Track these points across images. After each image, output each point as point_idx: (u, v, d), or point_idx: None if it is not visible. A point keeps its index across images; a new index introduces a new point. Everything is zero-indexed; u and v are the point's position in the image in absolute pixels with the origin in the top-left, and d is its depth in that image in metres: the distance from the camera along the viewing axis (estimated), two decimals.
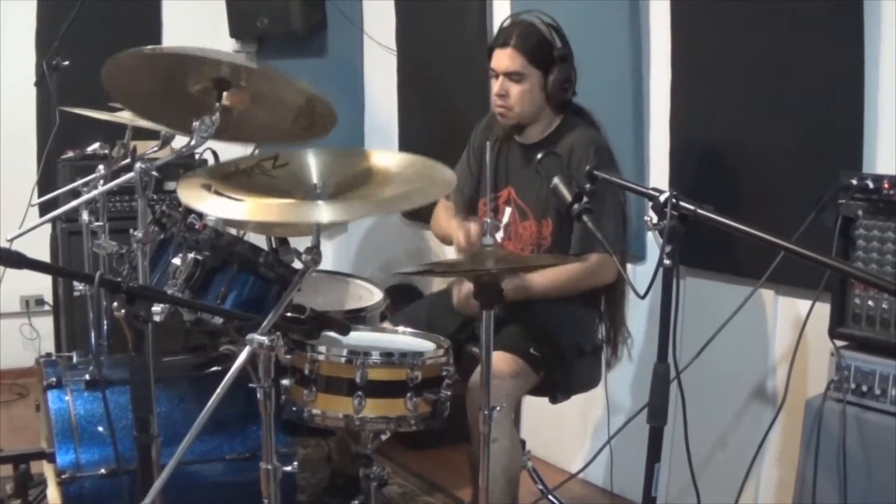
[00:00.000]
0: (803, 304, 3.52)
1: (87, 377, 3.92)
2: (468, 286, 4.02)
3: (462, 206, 4.46)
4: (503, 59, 4.09)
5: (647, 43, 4.75)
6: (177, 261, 3.51)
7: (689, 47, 4.45)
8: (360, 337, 3.79)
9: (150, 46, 3.39)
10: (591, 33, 4.86)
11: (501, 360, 3.81)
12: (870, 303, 3.31)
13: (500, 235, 4.23)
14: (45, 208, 4.64)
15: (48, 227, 5.79)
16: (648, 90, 4.77)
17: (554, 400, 4.25)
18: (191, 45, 3.43)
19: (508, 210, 4.23)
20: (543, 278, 4.01)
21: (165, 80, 3.52)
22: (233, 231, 4.07)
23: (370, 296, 4.47)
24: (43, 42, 6.46)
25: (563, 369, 4.07)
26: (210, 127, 3.39)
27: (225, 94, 3.49)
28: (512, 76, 4.09)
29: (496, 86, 4.14)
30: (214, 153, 3.97)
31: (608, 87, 4.81)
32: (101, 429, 3.79)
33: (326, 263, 3.52)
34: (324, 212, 3.07)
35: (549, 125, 4.19)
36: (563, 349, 4.06)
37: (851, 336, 3.37)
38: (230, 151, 4.26)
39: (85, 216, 4.32)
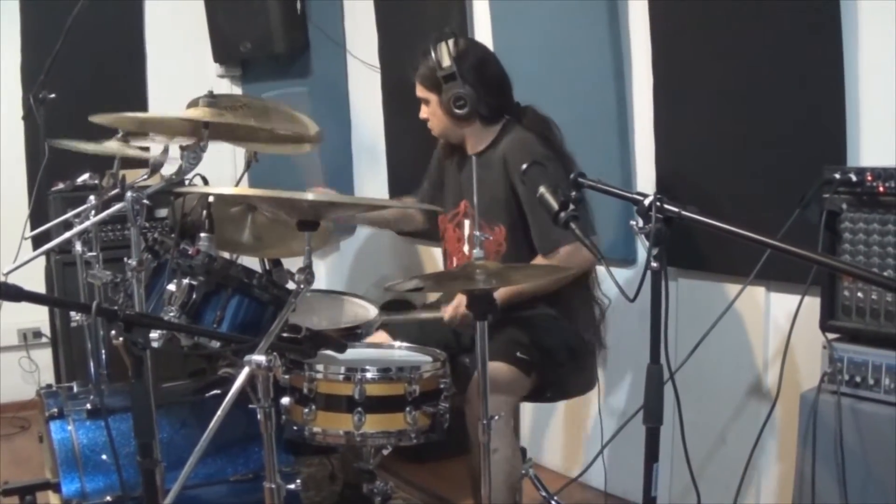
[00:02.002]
0: (794, 299, 3.54)
1: (89, 406, 3.94)
2: (458, 302, 4.07)
3: (427, 217, 4.71)
4: (416, 86, 4.31)
5: (627, 47, 4.78)
6: (171, 287, 3.52)
7: (669, 50, 4.47)
8: (356, 354, 3.82)
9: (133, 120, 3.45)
10: (571, 41, 4.90)
11: (494, 370, 3.83)
12: (859, 294, 3.34)
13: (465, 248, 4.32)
14: (38, 241, 4.65)
15: (42, 260, 5.81)
16: (631, 95, 4.80)
17: (548, 399, 4.30)
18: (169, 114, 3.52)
19: (467, 223, 4.30)
20: (524, 285, 4.07)
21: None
22: (226, 255, 4.10)
23: (365, 313, 4.48)
24: (28, 76, 6.48)
25: (554, 369, 4.10)
26: (198, 154, 3.43)
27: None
28: (423, 101, 4.31)
29: (420, 110, 4.36)
30: (204, 178, 3.99)
31: (591, 93, 4.84)
32: (104, 457, 3.81)
33: (320, 282, 3.55)
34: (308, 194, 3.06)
35: (489, 134, 4.26)
36: (552, 348, 4.08)
37: (842, 328, 3.40)
38: (223, 151, 4.33)
39: (78, 247, 4.33)
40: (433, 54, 4.14)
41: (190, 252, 3.59)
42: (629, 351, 4.64)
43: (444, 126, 4.26)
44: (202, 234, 3.71)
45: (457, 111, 4.13)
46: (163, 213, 5.37)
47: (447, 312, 4.14)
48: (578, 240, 3.03)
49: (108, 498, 3.74)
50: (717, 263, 4.33)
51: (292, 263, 3.55)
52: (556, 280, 4.03)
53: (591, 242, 3.02)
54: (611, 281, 2.89)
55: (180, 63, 7.07)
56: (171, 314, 3.48)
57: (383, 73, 6.57)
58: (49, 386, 4.44)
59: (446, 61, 4.11)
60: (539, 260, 4.05)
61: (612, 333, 4.32)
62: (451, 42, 4.14)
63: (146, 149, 4.43)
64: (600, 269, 4.15)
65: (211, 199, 3.89)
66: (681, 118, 4.46)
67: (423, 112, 4.32)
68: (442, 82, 4.14)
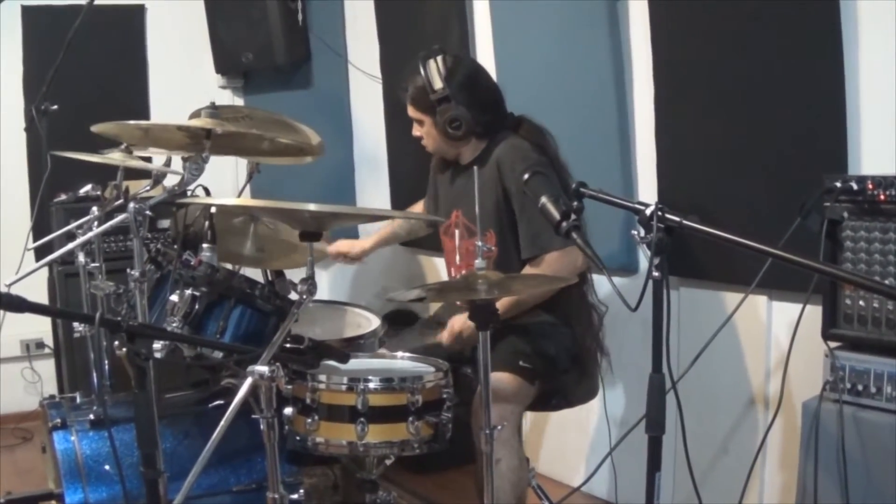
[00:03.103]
0: (796, 308, 3.54)
1: (92, 417, 3.94)
2: (456, 324, 4.08)
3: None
4: (407, 107, 4.30)
5: (628, 56, 4.79)
6: (174, 298, 3.52)
7: (670, 59, 4.48)
8: (359, 364, 3.82)
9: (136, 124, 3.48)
10: (572, 50, 4.91)
11: (498, 380, 3.83)
12: (861, 303, 3.34)
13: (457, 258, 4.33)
14: (40, 252, 4.65)
15: (45, 271, 5.82)
16: (632, 104, 4.81)
17: (553, 407, 4.32)
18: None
19: (457, 232, 4.30)
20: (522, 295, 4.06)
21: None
22: (228, 267, 4.11)
23: (368, 323, 4.48)
24: (30, 87, 6.50)
25: (558, 376, 4.12)
26: (201, 165, 3.43)
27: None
28: (415, 121, 4.29)
29: (413, 129, 4.35)
30: (206, 189, 3.99)
31: (592, 102, 4.85)
32: (107, 467, 3.80)
33: (323, 293, 3.55)
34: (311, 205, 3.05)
35: (482, 144, 4.26)
36: (554, 356, 4.09)
37: (844, 336, 3.39)
38: (225, 163, 4.33)
39: (81, 258, 4.33)
40: (423, 75, 4.12)
41: (192, 263, 3.59)
42: (630, 360, 4.64)
43: (439, 145, 4.27)
44: (205, 245, 3.71)
45: (452, 132, 4.13)
46: (165, 224, 5.37)
47: (444, 338, 4.14)
48: (581, 249, 3.03)
49: None
50: (718, 273, 4.34)
51: (295, 274, 3.55)
52: (553, 289, 4.03)
53: (592, 251, 3.02)
54: (608, 288, 2.89)
55: (182, 74, 7.08)
56: (174, 325, 3.49)
57: (385, 84, 6.59)
58: (52, 396, 4.44)
59: (437, 83, 4.10)
60: (526, 267, 4.06)
61: (613, 342, 4.32)
62: (439, 60, 4.12)
63: (148, 159, 4.44)
64: (599, 277, 4.16)
65: (213, 209, 3.90)
66: (682, 127, 4.46)
67: (416, 131, 4.32)
68: (435, 105, 4.14)
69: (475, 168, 3.51)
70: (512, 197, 4.05)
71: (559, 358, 4.09)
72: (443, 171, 4.48)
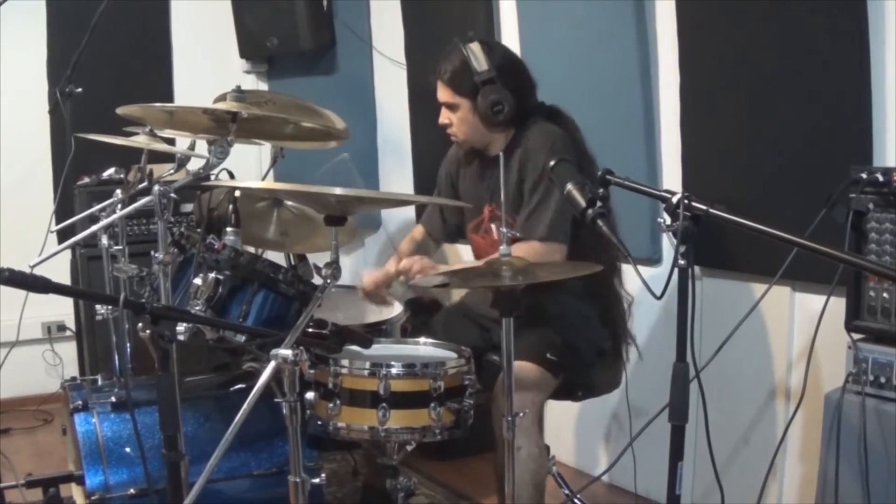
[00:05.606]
0: (819, 300, 3.52)
1: (113, 399, 3.95)
2: (372, 275, 4.20)
3: (441, 236, 4.70)
4: (439, 91, 4.21)
5: (654, 47, 4.78)
6: (198, 281, 3.53)
7: (696, 49, 4.47)
8: (381, 349, 3.82)
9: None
10: (598, 39, 4.90)
11: (521, 369, 3.82)
12: (885, 295, 3.32)
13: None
14: (63, 234, 4.66)
15: (68, 254, 5.84)
16: (658, 93, 4.80)
17: (578, 398, 4.33)
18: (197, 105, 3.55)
19: (493, 227, 4.23)
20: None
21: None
22: (251, 250, 4.11)
23: (390, 309, 4.49)
24: (55, 70, 6.51)
25: (583, 370, 4.11)
26: (226, 149, 3.43)
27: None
28: (448, 106, 4.20)
29: (440, 116, 4.25)
30: (230, 173, 4.00)
31: (617, 93, 4.85)
32: (128, 450, 3.82)
33: (345, 278, 3.53)
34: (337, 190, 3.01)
35: (509, 135, 4.20)
36: (581, 349, 4.08)
37: (868, 328, 3.37)
38: (249, 147, 4.33)
39: (104, 240, 4.33)
40: (467, 57, 4.06)
41: (216, 246, 3.59)
42: (652, 349, 4.63)
43: (475, 131, 4.18)
44: (228, 229, 3.72)
45: (495, 116, 4.07)
46: (188, 207, 5.38)
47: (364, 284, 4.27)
48: (606, 237, 3.01)
49: (132, 491, 3.75)
50: (742, 263, 4.32)
51: (318, 259, 3.55)
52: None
53: (618, 239, 3.01)
54: (631, 277, 2.88)
55: (206, 59, 7.09)
56: (197, 308, 3.49)
57: (409, 70, 6.59)
58: (73, 378, 4.45)
59: (483, 64, 4.04)
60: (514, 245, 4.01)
61: (635, 331, 4.32)
62: (481, 45, 4.09)
63: (171, 142, 4.44)
64: (625, 267, 4.15)
65: (237, 193, 3.90)
66: (707, 118, 4.45)
67: (445, 117, 4.23)
68: (479, 87, 4.06)
69: (500, 154, 3.49)
70: (526, 177, 4.03)
71: (587, 352, 4.09)
72: (469, 164, 4.41)
